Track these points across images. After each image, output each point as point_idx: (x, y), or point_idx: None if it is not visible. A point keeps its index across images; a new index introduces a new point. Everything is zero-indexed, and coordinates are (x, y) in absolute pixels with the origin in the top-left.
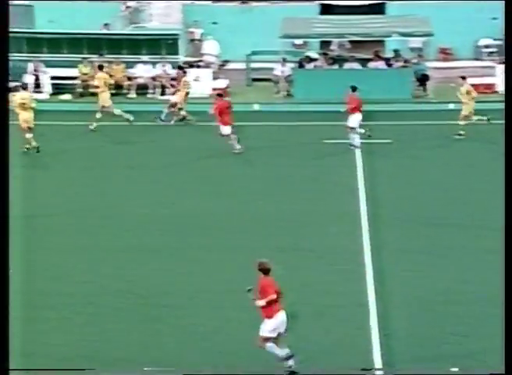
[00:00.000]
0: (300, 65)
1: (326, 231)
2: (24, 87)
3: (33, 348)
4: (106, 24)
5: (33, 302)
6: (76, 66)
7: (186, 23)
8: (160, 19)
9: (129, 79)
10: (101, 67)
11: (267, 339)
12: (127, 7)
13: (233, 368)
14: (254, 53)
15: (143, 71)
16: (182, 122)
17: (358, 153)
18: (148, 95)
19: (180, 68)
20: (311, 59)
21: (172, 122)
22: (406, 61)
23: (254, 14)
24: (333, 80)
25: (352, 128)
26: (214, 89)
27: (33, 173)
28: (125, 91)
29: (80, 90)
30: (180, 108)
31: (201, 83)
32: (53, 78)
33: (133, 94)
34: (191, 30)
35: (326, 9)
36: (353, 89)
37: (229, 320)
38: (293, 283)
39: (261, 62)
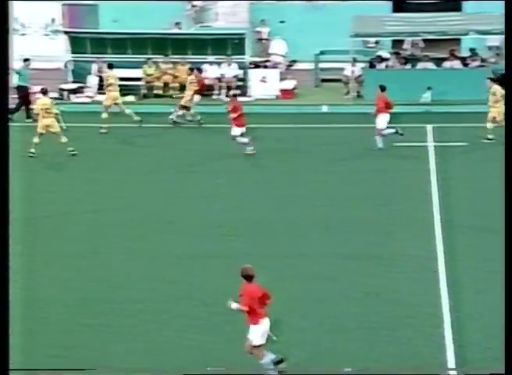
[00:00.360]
0: (371, 65)
1: (398, 238)
2: (44, 91)
3: (100, 357)
4: (177, 23)
5: (99, 310)
6: (140, 67)
7: (252, 22)
8: (226, 18)
9: None
10: (110, 66)
11: (258, 347)
12: (193, 6)
13: None
14: (323, 53)
15: (208, 72)
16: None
17: (432, 156)
18: (214, 97)
19: (198, 70)
20: (383, 59)
21: (172, 116)
22: (483, 60)
23: (323, 12)
24: (406, 81)
25: (380, 130)
26: (281, 90)
27: (95, 176)
28: None
29: (144, 91)
30: (183, 107)
31: (268, 84)
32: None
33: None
34: (258, 29)
35: (399, 7)
36: (382, 89)
37: (296, 329)
38: (362, 292)
39: (330, 62)
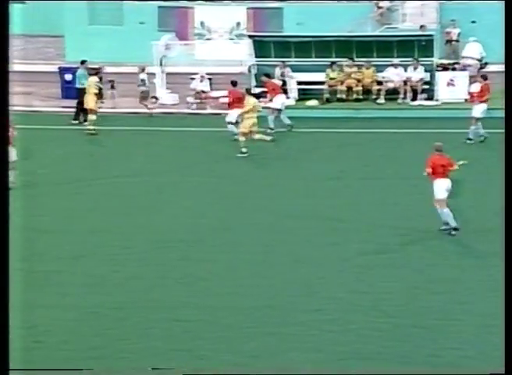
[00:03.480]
0: None
1: None
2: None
3: (282, 366)
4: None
5: (281, 318)
6: (323, 71)
7: (442, 23)
8: (414, 19)
9: (379, 83)
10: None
11: None
12: (379, 7)
13: None
14: None
15: (394, 75)
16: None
17: None
18: (399, 101)
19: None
20: None
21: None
22: None
23: None
24: None
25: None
26: (469, 93)
27: (273, 181)
28: (374, 96)
29: (327, 95)
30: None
31: (456, 88)
32: (299, 83)
33: (382, 100)
34: (448, 30)
35: None
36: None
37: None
38: None
39: None
